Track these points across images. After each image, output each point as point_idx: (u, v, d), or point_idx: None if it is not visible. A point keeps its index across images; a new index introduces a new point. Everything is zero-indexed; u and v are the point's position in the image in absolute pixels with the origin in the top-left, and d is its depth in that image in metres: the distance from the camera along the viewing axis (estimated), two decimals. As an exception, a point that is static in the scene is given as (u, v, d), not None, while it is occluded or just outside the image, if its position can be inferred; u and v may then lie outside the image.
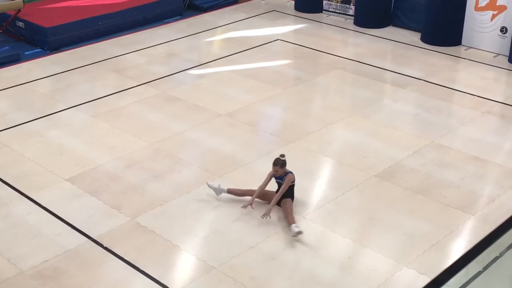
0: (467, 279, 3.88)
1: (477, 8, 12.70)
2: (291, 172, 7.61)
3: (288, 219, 7.42)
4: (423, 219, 7.62)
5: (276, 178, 7.68)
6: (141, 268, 6.83)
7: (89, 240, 7.29)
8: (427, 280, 6.52)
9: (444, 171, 8.59)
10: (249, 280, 6.64)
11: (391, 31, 13.93)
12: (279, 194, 7.54)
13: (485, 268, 3.96)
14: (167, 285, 6.60)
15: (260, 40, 13.50)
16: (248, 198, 7.72)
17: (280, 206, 7.66)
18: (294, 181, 7.63)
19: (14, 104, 10.75)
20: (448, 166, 8.70)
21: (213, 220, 7.67)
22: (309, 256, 7.00)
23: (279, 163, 7.54)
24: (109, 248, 7.16)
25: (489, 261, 4.01)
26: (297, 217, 7.62)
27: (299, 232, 7.19)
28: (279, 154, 7.66)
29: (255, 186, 8.01)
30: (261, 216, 7.45)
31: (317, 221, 7.57)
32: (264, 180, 7.68)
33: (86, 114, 10.31)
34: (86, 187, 8.29)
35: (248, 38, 13.68)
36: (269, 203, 7.56)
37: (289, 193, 7.66)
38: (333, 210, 7.78)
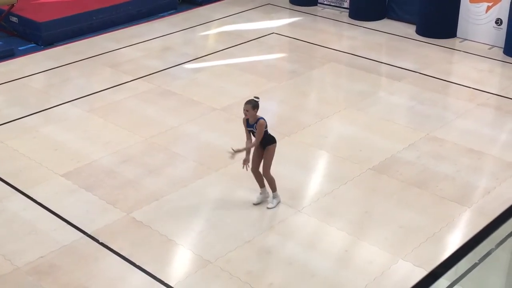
0: (464, 270, 3.88)
1: (472, 0, 12.68)
2: (262, 118, 7.32)
3: (271, 186, 7.68)
4: (418, 211, 7.62)
5: (247, 127, 7.43)
6: (137, 263, 6.82)
7: (85, 236, 7.28)
8: (423, 272, 6.53)
9: (440, 163, 8.59)
10: (245, 274, 6.64)
11: (386, 24, 13.91)
12: (256, 142, 7.36)
13: (481, 260, 3.97)
14: (163, 280, 6.60)
15: (255, 33, 13.47)
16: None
17: (263, 153, 7.51)
18: (266, 126, 7.36)
19: (9, 100, 10.70)
20: (443, 159, 8.70)
21: (209, 215, 7.66)
22: (304, 250, 7.01)
23: (252, 103, 7.25)
24: (105, 243, 7.15)
25: (485, 253, 4.01)
26: (292, 211, 7.63)
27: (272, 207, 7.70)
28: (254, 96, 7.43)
29: (252, 182, 8.04)
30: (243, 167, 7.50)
31: (312, 214, 7.57)
32: (246, 135, 7.52)
33: (81, 109, 10.27)
34: (81, 183, 8.27)
35: (243, 31, 13.65)
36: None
37: (268, 139, 7.45)
38: (328, 204, 7.78)
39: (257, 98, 7.41)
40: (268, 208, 7.68)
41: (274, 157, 7.52)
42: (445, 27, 12.96)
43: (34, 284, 6.59)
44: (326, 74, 11.57)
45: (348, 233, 7.25)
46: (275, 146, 7.52)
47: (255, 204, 7.74)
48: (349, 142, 9.18)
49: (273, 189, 7.72)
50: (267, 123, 7.39)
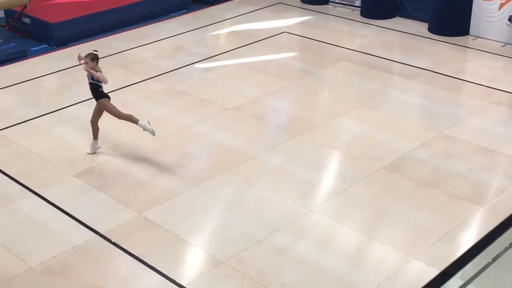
0: (477, 270, 3.85)
1: (485, -2, 12.61)
2: (99, 71, 8.34)
3: (131, 118, 8.52)
4: (431, 211, 7.58)
5: (88, 78, 8.44)
6: (150, 263, 6.83)
7: (97, 236, 7.30)
8: (436, 272, 6.48)
9: (452, 162, 8.54)
10: (257, 273, 6.63)
11: (398, 22, 13.86)
12: (100, 78, 8.30)
13: (494, 259, 3.93)
14: (175, 280, 6.60)
15: (267, 33, 13.46)
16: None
17: (101, 108, 8.57)
18: (101, 82, 8.37)
19: (21, 100, 10.76)
20: (456, 157, 8.65)
21: (220, 214, 7.67)
22: (317, 249, 6.99)
23: (90, 55, 8.31)
24: (117, 243, 7.17)
25: (499, 252, 3.98)
26: (304, 210, 7.61)
27: (148, 128, 8.43)
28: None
29: (264, 182, 8.05)
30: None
31: (325, 214, 7.55)
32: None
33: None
34: (93, 183, 8.29)
35: (254, 31, 13.64)
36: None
37: (100, 94, 8.50)
38: (341, 203, 7.76)
39: (96, 51, 8.45)
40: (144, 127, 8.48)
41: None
42: (457, 25, 12.88)
43: (47, 284, 6.62)
44: (337, 73, 11.54)
45: (360, 233, 7.22)
46: (107, 101, 8.53)
47: (89, 154, 8.81)
48: (361, 141, 9.15)
49: (135, 121, 8.51)
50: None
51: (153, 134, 8.50)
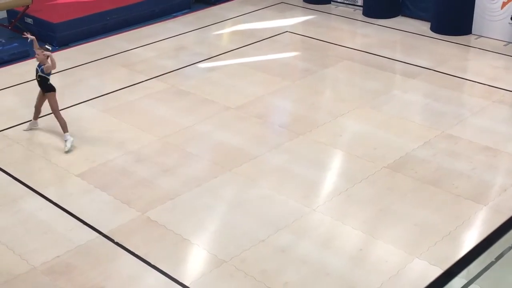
0: (480, 269, 3.85)
1: (487, -4, 12.59)
2: (50, 55, 8.90)
3: (62, 128, 9.03)
4: (434, 210, 7.57)
5: (37, 72, 8.92)
6: (152, 263, 6.84)
7: (100, 235, 7.31)
8: (439, 271, 6.49)
9: (455, 161, 8.53)
10: (260, 273, 6.63)
11: (400, 21, 13.84)
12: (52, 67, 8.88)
13: (498, 259, 3.93)
14: (178, 279, 6.61)
15: (269, 32, 13.46)
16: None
17: (44, 97, 9.11)
18: (49, 74, 8.96)
19: (24, 101, 10.75)
20: (459, 156, 8.64)
21: (223, 214, 7.67)
22: (319, 249, 6.99)
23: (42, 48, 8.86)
24: (120, 243, 7.18)
25: (502, 251, 3.97)
26: (307, 209, 7.61)
27: (68, 145, 8.94)
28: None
29: (266, 181, 8.06)
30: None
31: (327, 213, 7.55)
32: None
33: (95, 109, 10.31)
34: (96, 182, 8.30)
35: (256, 30, 13.64)
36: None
37: (49, 86, 9.02)
38: (343, 202, 7.75)
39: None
40: (65, 152, 8.92)
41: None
42: (460, 24, 12.87)
43: (50, 284, 6.63)
44: (340, 72, 11.54)
45: (362, 232, 7.22)
46: (54, 95, 9.02)
47: (25, 130, 9.46)
48: (363, 140, 9.14)
49: (64, 130, 9.05)
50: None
51: (66, 151, 8.94)
